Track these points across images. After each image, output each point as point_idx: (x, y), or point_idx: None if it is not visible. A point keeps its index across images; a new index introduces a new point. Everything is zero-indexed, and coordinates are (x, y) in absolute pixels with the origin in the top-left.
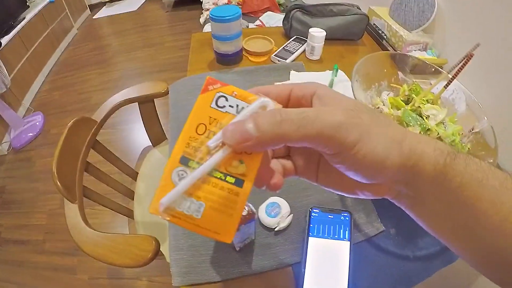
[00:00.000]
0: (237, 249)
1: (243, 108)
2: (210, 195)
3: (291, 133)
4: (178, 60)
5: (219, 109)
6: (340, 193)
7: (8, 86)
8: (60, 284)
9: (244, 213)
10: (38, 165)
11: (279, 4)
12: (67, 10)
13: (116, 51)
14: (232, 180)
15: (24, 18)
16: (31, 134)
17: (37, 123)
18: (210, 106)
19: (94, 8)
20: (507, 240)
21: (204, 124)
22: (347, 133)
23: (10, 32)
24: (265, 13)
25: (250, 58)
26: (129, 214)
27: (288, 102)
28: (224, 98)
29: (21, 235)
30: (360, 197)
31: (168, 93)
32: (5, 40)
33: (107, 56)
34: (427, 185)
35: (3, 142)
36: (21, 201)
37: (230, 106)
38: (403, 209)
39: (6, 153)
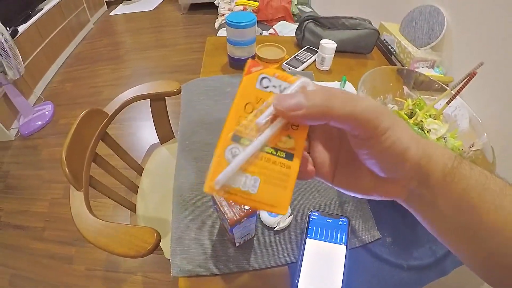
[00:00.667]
0: (237, 244)
1: (285, 88)
2: (264, 169)
3: (337, 108)
4: (190, 63)
5: (264, 89)
6: (353, 195)
7: (21, 74)
8: (56, 272)
9: (247, 207)
10: (44, 153)
11: (293, 14)
12: (84, 5)
13: (130, 48)
14: (283, 154)
15: (42, 9)
16: (39, 122)
17: (47, 113)
18: (255, 87)
19: (111, 4)
20: (507, 243)
21: (251, 104)
22: (383, 118)
23: (28, 21)
24: (279, 22)
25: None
26: (132, 207)
27: None
28: (267, 79)
29: (21, 221)
30: (373, 197)
31: (179, 93)
32: (22, 28)
33: (121, 53)
34: (437, 185)
35: (11, 128)
36: (24, 187)
37: (273, 86)
38: (412, 211)
39: (14, 138)
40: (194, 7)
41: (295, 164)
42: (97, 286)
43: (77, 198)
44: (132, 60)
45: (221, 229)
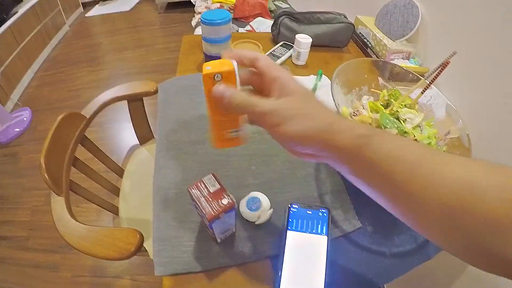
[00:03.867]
0: (218, 241)
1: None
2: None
3: (245, 111)
4: (167, 62)
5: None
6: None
7: None
8: (42, 281)
9: (225, 202)
10: (24, 161)
11: (270, 11)
12: (60, 7)
13: (107, 50)
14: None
15: (17, 12)
16: (18, 129)
17: (25, 119)
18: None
19: (87, 6)
20: (423, 205)
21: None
22: (271, 117)
23: (2, 25)
24: (256, 19)
25: None
26: (114, 210)
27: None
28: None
29: (4, 231)
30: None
31: (157, 92)
32: None
33: (98, 55)
34: (343, 155)
35: None
36: (5, 196)
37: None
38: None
39: None
40: (171, 6)
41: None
42: None
43: (58, 204)
44: (109, 62)
45: (202, 226)
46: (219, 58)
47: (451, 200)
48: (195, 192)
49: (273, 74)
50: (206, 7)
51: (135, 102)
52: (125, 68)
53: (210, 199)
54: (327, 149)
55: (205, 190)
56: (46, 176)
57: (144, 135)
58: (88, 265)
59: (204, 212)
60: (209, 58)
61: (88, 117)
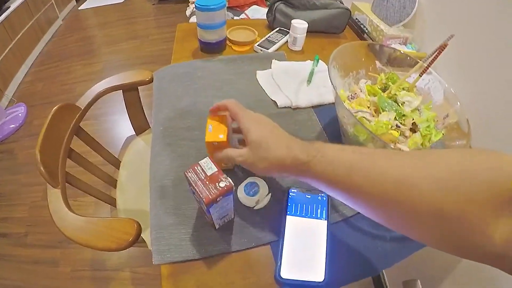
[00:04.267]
0: (217, 227)
1: None
2: None
3: (231, 161)
4: (162, 53)
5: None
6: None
7: None
8: (42, 277)
9: (222, 185)
10: (20, 157)
11: None
12: (52, 1)
13: (101, 42)
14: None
15: (9, 7)
16: (13, 125)
17: (20, 114)
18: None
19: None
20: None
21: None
22: (246, 163)
23: None
24: (251, 7)
25: (233, 47)
26: (112, 202)
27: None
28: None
29: (3, 228)
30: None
31: (152, 81)
32: None
33: (92, 48)
34: (299, 173)
35: None
36: (3, 193)
37: None
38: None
39: None
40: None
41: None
42: (85, 286)
43: (54, 196)
44: (104, 54)
45: (200, 213)
46: (216, 44)
47: (390, 194)
48: (191, 175)
49: (239, 124)
50: None
51: (130, 92)
52: (120, 60)
53: (207, 182)
54: (287, 172)
55: (202, 173)
56: (42, 169)
57: (140, 125)
58: (88, 259)
59: (201, 196)
60: (204, 44)
61: (83, 108)
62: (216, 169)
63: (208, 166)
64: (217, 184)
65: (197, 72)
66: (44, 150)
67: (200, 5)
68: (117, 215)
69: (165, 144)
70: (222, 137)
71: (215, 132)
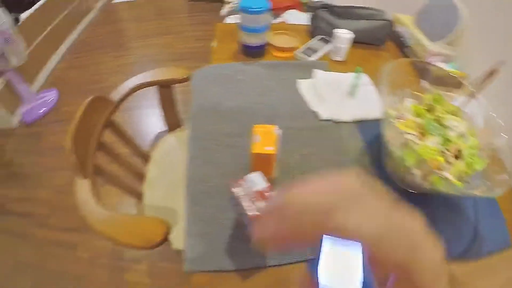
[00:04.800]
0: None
1: None
2: None
3: None
4: (194, 51)
5: None
6: None
7: (24, 61)
8: (60, 259)
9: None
10: (47, 141)
11: (302, 3)
12: None
13: (133, 36)
14: None
15: None
16: (43, 109)
17: (50, 100)
18: None
19: None
20: None
21: None
22: None
23: (31, 7)
24: (288, 11)
25: (274, 52)
26: (138, 196)
27: None
28: None
29: (26, 208)
30: None
31: (187, 80)
32: (25, 14)
33: (124, 41)
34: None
35: (14, 115)
36: (28, 175)
37: None
38: None
39: (17, 126)
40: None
41: None
42: (101, 274)
43: (82, 186)
44: (135, 48)
45: (236, 223)
46: (257, 48)
47: None
48: (237, 190)
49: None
50: None
51: (164, 88)
52: (151, 55)
53: (254, 198)
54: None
55: (250, 188)
56: (73, 159)
57: (173, 122)
58: (107, 247)
59: (245, 212)
60: (246, 48)
61: (116, 101)
62: (265, 185)
63: (258, 181)
64: (265, 201)
65: (238, 75)
66: (75, 140)
67: (245, 7)
68: (142, 210)
69: (204, 148)
70: (271, 149)
71: (263, 143)
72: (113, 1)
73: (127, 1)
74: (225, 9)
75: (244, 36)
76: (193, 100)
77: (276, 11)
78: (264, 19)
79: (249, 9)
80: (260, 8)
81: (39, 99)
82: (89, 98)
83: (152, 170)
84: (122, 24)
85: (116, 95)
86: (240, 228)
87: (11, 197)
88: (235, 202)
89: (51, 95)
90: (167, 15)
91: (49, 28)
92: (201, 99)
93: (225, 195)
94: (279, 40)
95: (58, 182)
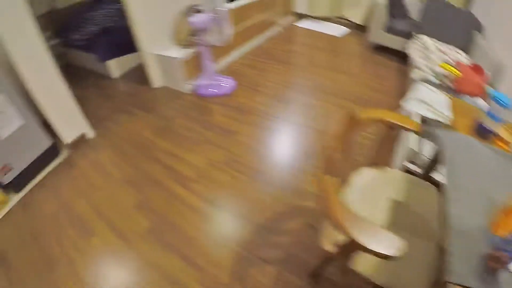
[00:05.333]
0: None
1: None
2: None
3: None
4: (365, 97)
5: None
6: None
7: (225, 44)
8: (183, 219)
9: None
10: (214, 118)
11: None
12: (278, 8)
13: (303, 60)
14: None
15: None
16: (215, 90)
17: (225, 85)
18: None
19: (300, 16)
20: None
21: None
22: None
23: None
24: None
25: (498, 142)
26: None
27: None
28: None
29: (172, 163)
30: None
31: (417, 132)
32: (232, 5)
33: (294, 60)
34: None
35: (189, 83)
36: (186, 137)
37: None
38: None
39: (187, 93)
40: (380, 49)
41: None
42: (223, 254)
43: (329, 183)
44: (302, 70)
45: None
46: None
47: None
48: None
49: None
50: (427, 67)
51: (390, 129)
52: (313, 81)
53: None
54: None
55: None
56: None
57: (382, 159)
58: (236, 234)
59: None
60: (482, 129)
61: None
62: None
63: None
64: None
65: (492, 162)
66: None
67: (501, 100)
68: None
69: (468, 214)
70: None
71: None
72: (297, 24)
73: (308, 29)
74: (414, 74)
75: (486, 120)
76: (447, 159)
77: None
78: (504, 112)
79: (504, 103)
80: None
81: (215, 80)
82: (350, 115)
83: (350, 194)
84: (297, 46)
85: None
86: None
87: (161, 146)
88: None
89: (227, 82)
90: (340, 54)
91: (244, 26)
92: (455, 166)
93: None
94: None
95: (212, 156)
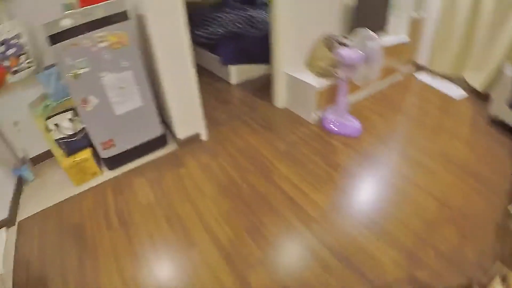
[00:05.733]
0: None
1: None
2: None
3: None
4: (482, 173)
5: None
6: None
7: (372, 81)
8: (306, 265)
9: None
10: (339, 155)
11: None
12: (405, 56)
13: (412, 113)
14: None
15: None
16: (341, 128)
17: (352, 125)
18: None
19: (419, 68)
20: None
21: None
22: None
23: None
24: None
25: None
26: None
27: None
28: None
29: (297, 198)
30: None
31: None
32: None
33: (406, 112)
34: None
35: (317, 113)
36: (309, 171)
37: None
38: None
39: (312, 123)
40: (499, 124)
41: None
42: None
43: None
44: (423, 128)
45: None
46: None
47: None
48: None
49: None
50: None
51: None
52: (418, 142)
53: None
54: None
55: None
56: None
57: None
58: (334, 243)
59: None
60: None
61: None
62: None
63: None
64: None
65: None
66: None
67: None
68: None
69: None
70: None
71: None
72: (415, 75)
73: (426, 84)
74: None
75: None
76: None
77: None
78: None
79: None
80: None
81: (345, 118)
82: None
83: None
84: (415, 99)
85: None
86: None
87: (282, 172)
88: None
89: (354, 123)
90: (450, 116)
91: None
92: None
93: None
94: None
95: (336, 200)
